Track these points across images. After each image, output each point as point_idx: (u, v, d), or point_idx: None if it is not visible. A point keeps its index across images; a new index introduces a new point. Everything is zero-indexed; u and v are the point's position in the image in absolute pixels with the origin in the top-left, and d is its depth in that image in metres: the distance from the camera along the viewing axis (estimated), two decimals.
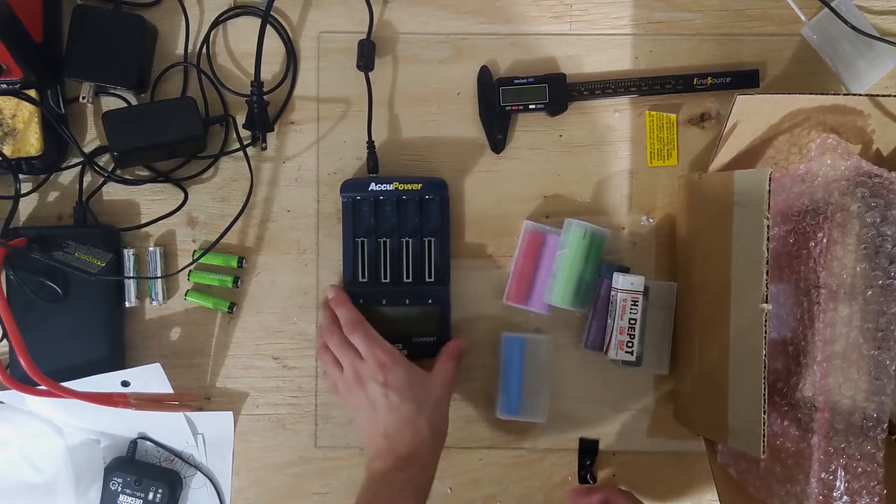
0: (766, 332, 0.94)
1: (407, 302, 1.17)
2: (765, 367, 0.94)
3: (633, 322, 1.12)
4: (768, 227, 0.93)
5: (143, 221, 1.20)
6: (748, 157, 1.12)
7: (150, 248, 1.19)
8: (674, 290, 1.17)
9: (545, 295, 1.18)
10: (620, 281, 1.13)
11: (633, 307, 1.12)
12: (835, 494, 0.99)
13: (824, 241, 1.01)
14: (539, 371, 1.19)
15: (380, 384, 1.07)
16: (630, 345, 1.13)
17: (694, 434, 1.18)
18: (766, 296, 0.94)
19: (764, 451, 0.95)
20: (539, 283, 1.19)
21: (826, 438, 1.00)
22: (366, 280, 1.17)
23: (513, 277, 1.19)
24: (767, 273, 0.94)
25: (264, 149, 1.21)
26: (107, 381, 1.14)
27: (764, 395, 0.94)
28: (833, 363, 1.01)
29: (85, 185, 1.20)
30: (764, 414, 0.94)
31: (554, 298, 1.17)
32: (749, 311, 0.97)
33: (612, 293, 1.14)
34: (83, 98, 1.16)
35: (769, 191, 0.93)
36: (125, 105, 1.19)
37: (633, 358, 1.13)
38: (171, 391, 1.16)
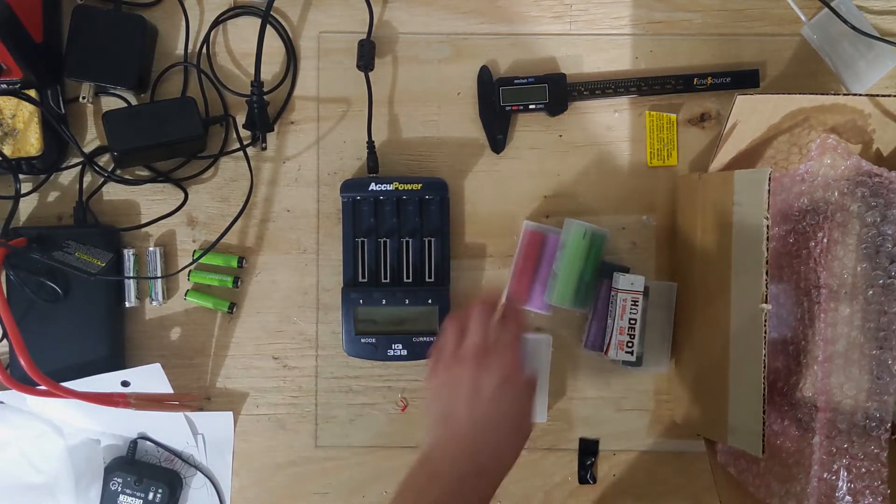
0: (765, 332, 0.93)
1: (407, 302, 1.16)
2: (765, 367, 0.93)
3: (632, 322, 1.11)
4: (768, 226, 0.93)
5: (143, 221, 1.19)
6: (748, 157, 1.12)
7: (150, 248, 1.19)
8: (674, 291, 1.17)
9: (545, 294, 1.17)
10: (620, 281, 1.12)
11: (633, 307, 1.11)
12: (837, 494, 0.98)
13: (824, 240, 1.00)
14: (539, 371, 1.18)
15: (501, 377, 0.95)
16: (630, 345, 1.12)
17: (694, 433, 1.18)
18: (766, 296, 0.93)
19: (763, 451, 0.94)
20: (539, 283, 1.19)
21: (828, 438, 0.99)
22: (366, 280, 1.17)
23: (513, 277, 1.19)
24: (767, 273, 0.93)
25: (264, 149, 1.20)
26: (107, 381, 1.13)
27: (764, 394, 0.93)
28: (834, 363, 1.00)
29: (85, 185, 1.19)
30: (763, 413, 0.94)
31: (554, 298, 1.16)
32: (749, 311, 0.96)
33: (612, 293, 1.13)
34: (83, 98, 1.15)
35: (769, 191, 0.93)
36: (125, 105, 1.18)
37: (633, 358, 1.13)
38: (171, 391, 1.16)
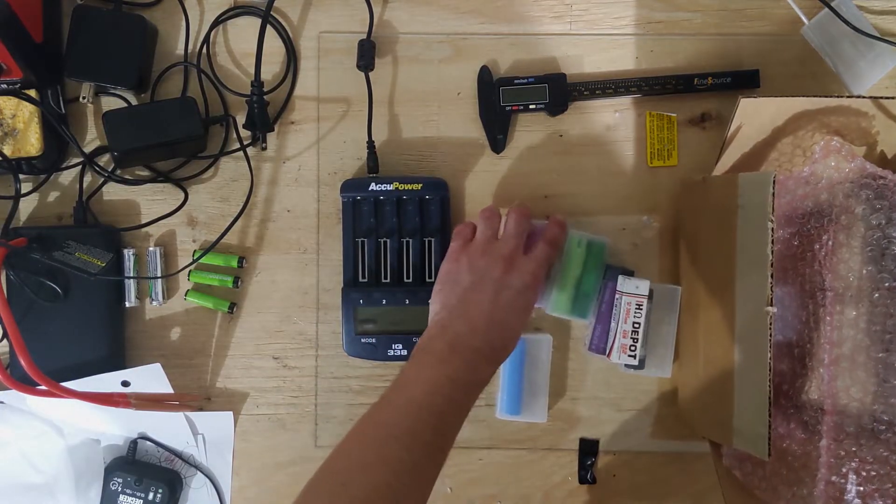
0: (770, 335, 0.91)
1: (407, 302, 1.14)
2: (770, 370, 0.91)
3: (636, 326, 1.09)
4: (772, 229, 0.91)
5: (143, 221, 1.17)
6: (752, 160, 1.09)
7: (150, 248, 1.17)
8: (678, 294, 1.14)
9: (543, 302, 1.14)
10: (625, 284, 1.09)
11: (638, 311, 1.09)
12: (846, 498, 0.96)
13: (829, 243, 0.98)
14: (539, 371, 1.16)
15: (523, 285, 1.04)
16: (633, 348, 1.10)
17: (695, 434, 1.16)
18: (771, 299, 0.91)
19: (769, 454, 0.91)
20: None
21: (836, 442, 0.97)
22: (366, 280, 1.15)
23: None
24: (772, 276, 0.91)
25: (264, 149, 1.18)
26: (107, 381, 1.11)
27: (769, 397, 0.91)
28: (840, 366, 0.98)
29: (85, 185, 1.17)
30: (769, 416, 0.91)
31: (550, 307, 1.13)
32: (753, 314, 0.94)
33: (617, 296, 1.10)
34: (83, 98, 1.13)
35: (773, 193, 0.90)
36: (125, 105, 1.16)
37: (635, 362, 1.10)
38: (171, 391, 1.14)
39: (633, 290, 1.09)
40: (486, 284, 1.03)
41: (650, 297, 1.10)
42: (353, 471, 0.90)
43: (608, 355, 1.11)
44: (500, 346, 1.02)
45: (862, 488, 0.96)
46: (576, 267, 1.12)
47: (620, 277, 1.10)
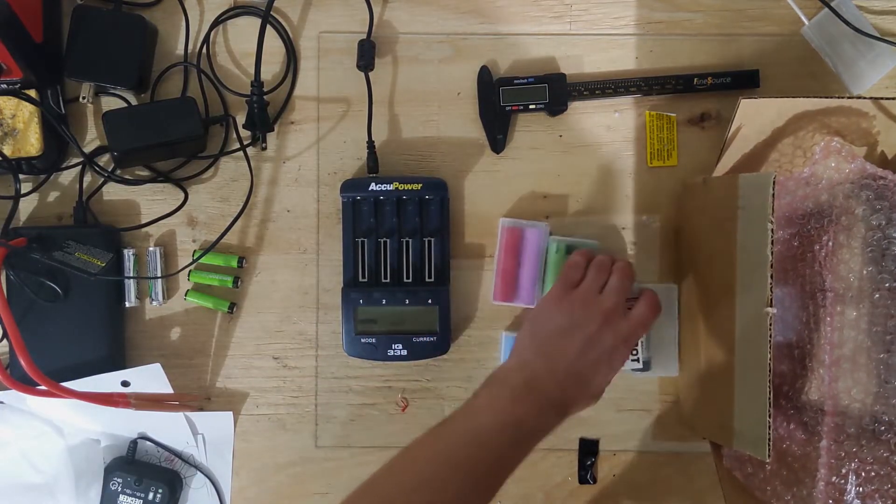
0: (770, 336, 0.90)
1: (407, 302, 1.13)
2: (770, 371, 0.90)
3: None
4: (772, 230, 0.90)
5: (143, 221, 1.16)
6: (752, 161, 1.09)
7: (150, 248, 1.16)
8: (675, 292, 1.15)
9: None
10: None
11: None
12: (846, 499, 0.96)
13: (830, 244, 0.98)
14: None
15: (615, 345, 1.01)
16: (635, 352, 1.11)
17: (695, 434, 1.15)
18: (771, 299, 0.90)
19: (769, 455, 0.91)
20: (524, 279, 1.16)
21: (836, 443, 0.97)
22: (366, 280, 1.14)
23: (497, 277, 1.16)
24: (772, 276, 0.90)
25: (264, 149, 1.17)
26: (107, 381, 1.11)
27: (769, 398, 0.90)
28: (841, 367, 0.97)
29: (85, 185, 1.17)
30: (769, 417, 0.91)
31: None
32: (754, 315, 0.93)
33: None
34: (83, 98, 1.12)
35: (773, 194, 0.90)
36: (125, 105, 1.15)
37: (640, 365, 1.11)
38: (171, 391, 1.13)
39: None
40: (577, 335, 1.01)
41: None
42: (407, 488, 0.90)
43: None
44: (573, 399, 1.00)
45: (862, 489, 0.96)
46: (556, 272, 1.13)
47: None
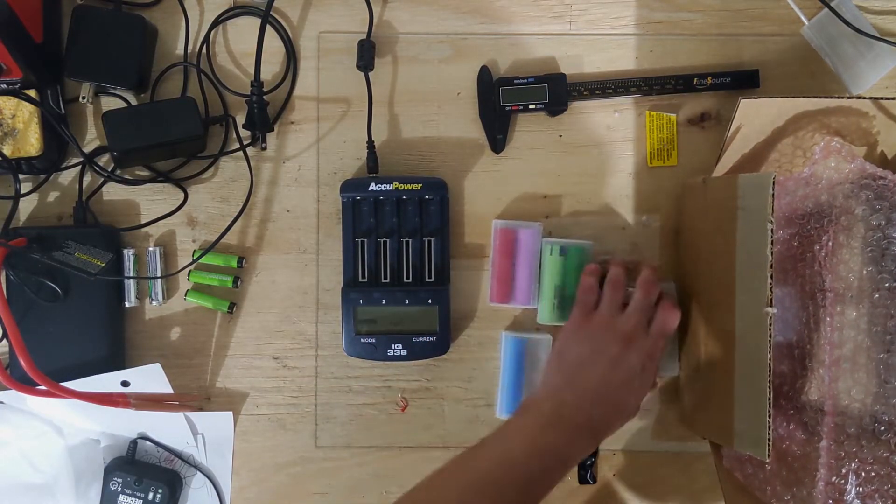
0: (770, 336, 0.91)
1: (407, 302, 1.13)
2: (770, 371, 0.90)
3: None
4: (772, 230, 0.90)
5: (143, 221, 1.16)
6: (752, 161, 1.09)
7: (150, 248, 1.16)
8: (673, 289, 1.14)
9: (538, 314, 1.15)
10: None
11: None
12: (846, 499, 0.95)
13: (829, 244, 0.98)
14: (539, 371, 1.15)
15: (640, 365, 1.03)
16: None
17: (695, 434, 1.15)
18: (771, 300, 0.90)
19: (769, 455, 0.91)
20: (520, 280, 1.16)
21: (836, 443, 0.96)
22: (366, 280, 1.14)
23: (493, 278, 1.16)
24: (772, 277, 0.90)
25: (264, 149, 1.17)
26: (107, 381, 1.10)
27: (769, 398, 0.91)
28: (841, 367, 0.97)
29: (85, 185, 1.16)
30: (769, 417, 0.91)
31: (539, 316, 1.16)
32: (753, 315, 0.93)
33: None
34: (83, 98, 1.12)
35: (773, 194, 0.90)
36: (125, 105, 1.15)
37: None
38: (171, 391, 1.13)
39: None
40: (601, 361, 1.03)
41: None
42: None
43: None
44: (605, 424, 1.02)
45: (862, 489, 0.96)
46: (553, 275, 1.14)
47: None
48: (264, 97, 1.14)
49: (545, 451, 0.96)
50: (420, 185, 1.13)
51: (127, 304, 1.16)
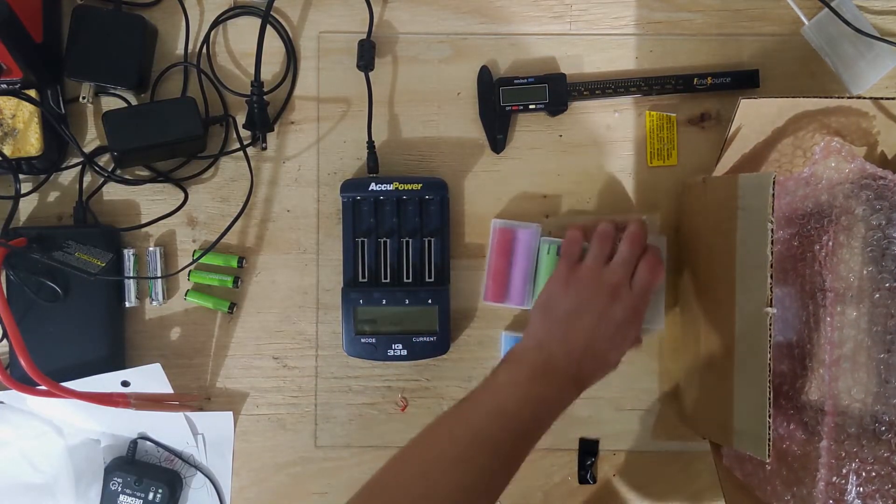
0: (770, 336, 0.90)
1: (407, 302, 1.13)
2: (769, 371, 0.90)
3: None
4: (772, 230, 0.90)
5: (143, 221, 1.16)
6: (752, 161, 1.09)
7: (150, 248, 1.16)
8: (663, 243, 1.16)
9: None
10: None
11: None
12: (847, 498, 0.95)
13: (829, 244, 0.98)
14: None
15: (626, 318, 1.03)
16: None
17: (695, 434, 1.15)
18: (771, 299, 0.90)
19: (769, 455, 0.91)
20: (515, 279, 1.16)
21: (836, 443, 0.96)
22: (366, 280, 1.14)
23: (488, 277, 1.16)
24: (772, 276, 0.90)
25: (264, 149, 1.17)
26: (107, 381, 1.10)
27: (769, 398, 0.90)
28: (842, 367, 0.97)
29: (85, 185, 1.16)
30: (769, 417, 0.90)
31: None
32: (753, 315, 0.93)
33: None
34: (83, 98, 1.12)
35: (773, 194, 0.90)
36: (125, 105, 1.15)
37: None
38: (171, 391, 1.13)
39: None
40: (588, 313, 1.03)
41: None
42: (436, 465, 0.91)
43: None
44: (591, 374, 1.03)
45: (862, 489, 0.95)
46: (550, 274, 1.12)
47: None
48: (264, 97, 1.14)
49: (536, 402, 0.97)
50: (420, 185, 1.12)
51: (127, 304, 1.16)
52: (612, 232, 1.09)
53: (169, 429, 1.17)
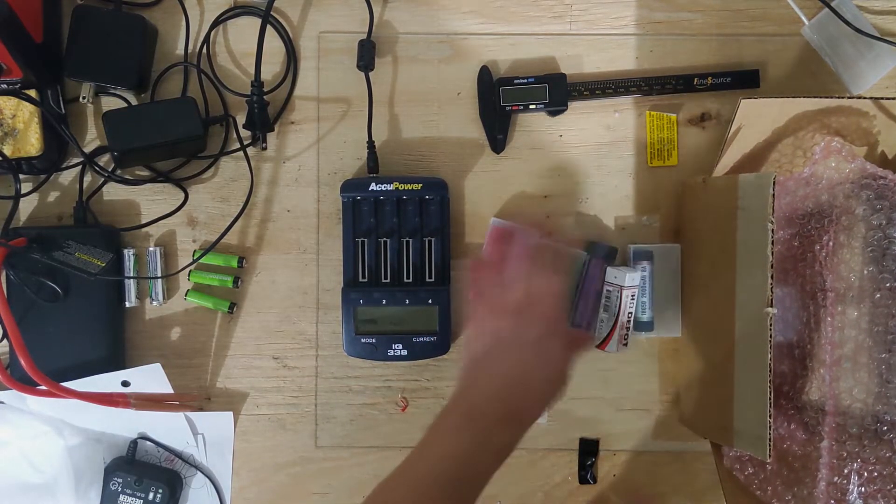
0: (770, 336, 0.90)
1: (407, 302, 1.13)
2: (770, 371, 0.90)
3: (630, 315, 1.10)
4: (772, 230, 0.90)
5: (143, 221, 1.16)
6: (752, 161, 1.09)
7: (150, 248, 1.15)
8: (678, 252, 1.15)
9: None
10: (618, 277, 1.09)
11: (632, 301, 1.10)
12: (848, 498, 0.95)
13: (830, 244, 0.98)
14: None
15: (540, 332, 0.92)
16: (626, 337, 1.11)
17: (695, 434, 1.14)
18: (771, 299, 0.90)
19: (770, 455, 0.91)
20: None
21: (838, 443, 0.96)
22: (366, 280, 1.14)
23: None
24: (772, 277, 0.90)
25: (264, 149, 1.17)
26: (107, 381, 1.10)
27: (769, 398, 0.90)
28: (842, 367, 0.97)
29: (85, 185, 1.16)
30: (769, 417, 0.90)
31: None
32: (754, 315, 0.93)
33: (610, 288, 1.10)
34: (83, 98, 1.12)
35: (773, 194, 0.90)
36: (125, 105, 1.15)
37: (627, 349, 1.12)
38: (171, 391, 1.13)
39: (629, 283, 1.10)
40: (498, 348, 0.93)
41: (650, 258, 1.12)
42: None
43: (602, 347, 1.12)
44: (521, 407, 0.92)
45: (864, 489, 0.95)
46: None
47: (610, 270, 1.11)
48: (264, 97, 1.14)
49: (464, 455, 0.89)
50: (420, 185, 1.12)
51: (127, 304, 1.16)
52: (498, 257, 1.00)
53: (169, 429, 1.17)
